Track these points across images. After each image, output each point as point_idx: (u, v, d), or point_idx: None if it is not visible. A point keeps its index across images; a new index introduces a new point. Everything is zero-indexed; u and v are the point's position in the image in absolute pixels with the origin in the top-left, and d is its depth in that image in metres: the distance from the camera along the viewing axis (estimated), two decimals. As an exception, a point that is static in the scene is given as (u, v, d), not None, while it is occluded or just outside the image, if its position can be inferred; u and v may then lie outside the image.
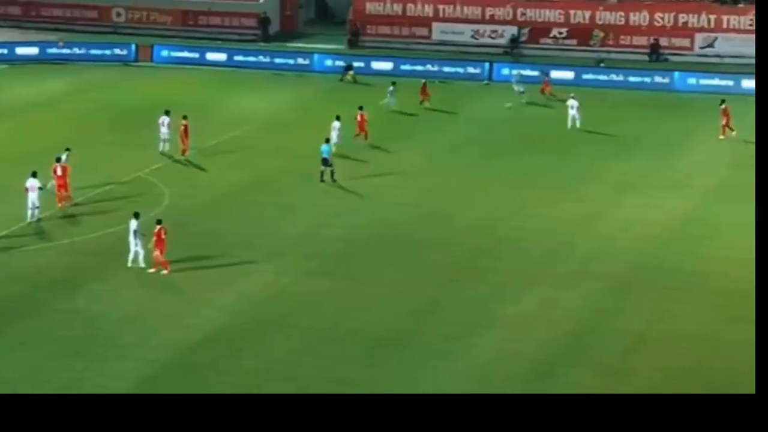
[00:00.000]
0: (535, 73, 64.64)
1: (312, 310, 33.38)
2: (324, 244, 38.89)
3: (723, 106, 53.21)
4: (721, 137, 52.30)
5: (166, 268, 35.28)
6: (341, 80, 65.77)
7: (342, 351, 30.65)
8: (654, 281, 35.70)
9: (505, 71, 66.68)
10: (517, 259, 37.60)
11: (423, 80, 59.77)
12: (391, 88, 57.60)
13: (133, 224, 35.71)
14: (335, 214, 42.05)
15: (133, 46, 71.70)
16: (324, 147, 45.51)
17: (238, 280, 35.41)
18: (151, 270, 35.29)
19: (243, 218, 41.57)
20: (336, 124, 49.32)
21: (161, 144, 48.65)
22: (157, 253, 35.19)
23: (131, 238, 35.62)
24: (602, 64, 67.76)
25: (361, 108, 52.63)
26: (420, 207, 43.10)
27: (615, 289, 35.22)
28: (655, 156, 50.02)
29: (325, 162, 45.25)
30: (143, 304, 33.80)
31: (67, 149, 43.28)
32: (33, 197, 39.45)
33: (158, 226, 35.53)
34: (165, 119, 48.54)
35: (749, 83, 63.73)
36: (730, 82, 64.10)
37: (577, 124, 53.64)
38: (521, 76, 61.57)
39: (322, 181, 45.12)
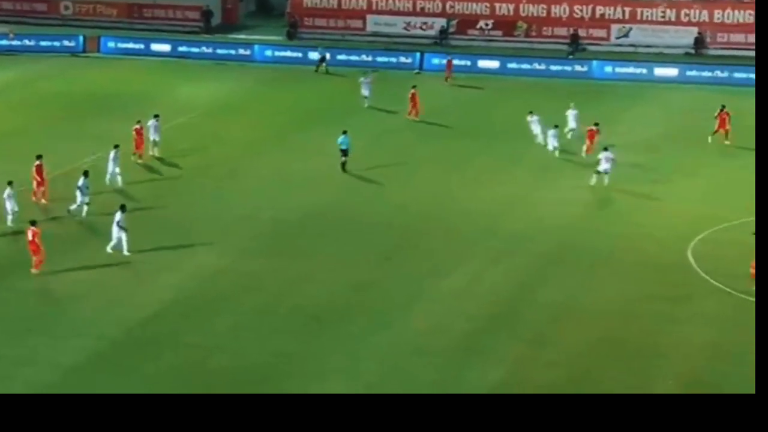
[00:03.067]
0: (467, 63, 64.87)
1: (253, 288, 33.14)
2: (264, 226, 38.64)
3: (724, 110, 48.96)
4: (727, 142, 48.59)
5: (36, 267, 33.65)
6: (316, 71, 64.88)
7: (282, 325, 30.49)
8: (576, 257, 35.87)
9: (435, 61, 66.81)
10: (449, 237, 37.58)
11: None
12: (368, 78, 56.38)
13: (118, 216, 35.09)
14: (275, 197, 41.79)
15: (81, 38, 70.75)
16: (341, 138, 44.74)
17: (184, 260, 35.06)
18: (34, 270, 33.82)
19: (187, 202, 41.16)
20: (571, 112, 49.60)
21: (151, 147, 46.65)
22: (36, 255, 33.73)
23: (114, 228, 34.98)
24: (571, 57, 67.86)
25: (414, 86, 53.71)
26: (357, 189, 42.96)
27: (540, 264, 35.35)
28: (576, 141, 50.07)
29: (344, 153, 44.42)
30: (93, 285, 33.31)
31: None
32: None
33: (31, 228, 33.88)
34: (153, 122, 46.83)
35: (661, 71, 64.48)
36: (644, 70, 64.61)
37: (568, 136, 48.72)
38: (368, 82, 56.37)
39: (344, 171, 44.25)
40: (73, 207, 38.74)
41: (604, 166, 42.36)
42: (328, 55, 66.07)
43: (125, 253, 34.89)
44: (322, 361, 28.27)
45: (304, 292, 32.79)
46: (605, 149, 43.08)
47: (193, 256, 35.40)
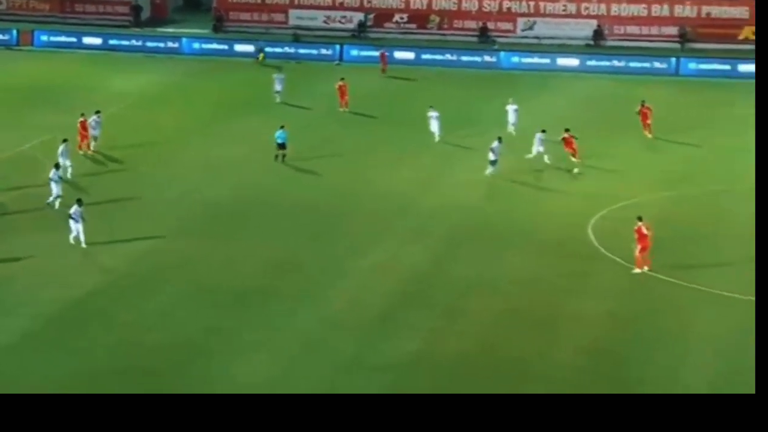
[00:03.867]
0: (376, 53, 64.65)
1: (183, 267, 32.90)
2: (194, 208, 38.37)
3: (644, 106, 48.17)
4: (649, 135, 47.85)
5: None
6: (256, 62, 64.25)
7: (211, 303, 30.31)
8: (484, 235, 36.14)
9: (354, 52, 66.86)
10: (368, 218, 37.60)
11: None
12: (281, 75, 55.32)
13: (73, 209, 34.18)
14: (203, 183, 41.46)
15: (15, 32, 69.51)
16: (278, 133, 43.89)
17: (116, 242, 34.62)
18: None
19: (120, 187, 40.64)
20: (510, 107, 48.02)
21: (92, 142, 45.26)
22: None
23: (71, 221, 33.94)
24: (495, 47, 68.06)
25: (342, 79, 52.70)
26: (282, 175, 42.75)
27: (450, 241, 35.61)
28: (483, 127, 49.97)
29: (281, 146, 43.69)
30: (26, 267, 32.74)
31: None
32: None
33: None
34: (95, 118, 45.65)
35: (564, 61, 65.18)
36: (548, 60, 65.27)
37: (513, 131, 47.18)
38: (281, 78, 54.90)
39: (276, 160, 43.48)
40: (50, 200, 37.47)
41: (493, 156, 42.09)
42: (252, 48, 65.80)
43: (83, 245, 33.89)
44: (248, 336, 28.20)
45: (231, 271, 32.62)
46: (498, 139, 42.78)
47: (125, 239, 34.96)
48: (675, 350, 27.83)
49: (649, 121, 48.31)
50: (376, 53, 64.93)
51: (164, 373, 25.99)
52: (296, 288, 31.49)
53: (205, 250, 34.32)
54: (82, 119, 45.19)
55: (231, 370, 26.25)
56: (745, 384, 25.62)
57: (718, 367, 26.84)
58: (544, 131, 43.94)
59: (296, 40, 69.73)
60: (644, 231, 32.41)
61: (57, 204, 37.25)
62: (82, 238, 33.95)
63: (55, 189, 37.58)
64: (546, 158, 43.32)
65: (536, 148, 43.58)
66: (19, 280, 31.69)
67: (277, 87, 54.79)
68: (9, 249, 33.92)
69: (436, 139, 47.14)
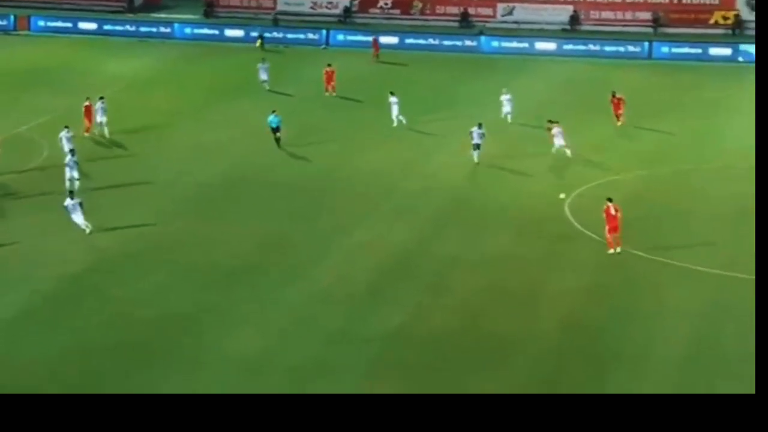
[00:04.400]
0: (369, 38, 64.18)
1: (176, 246, 32.61)
2: (187, 190, 38.03)
3: (615, 96, 46.90)
4: (619, 123, 46.48)
5: None
6: (259, 47, 63.44)
7: (202, 280, 30.06)
8: (466, 213, 35.94)
9: (340, 37, 66.41)
10: (354, 199, 37.32)
11: None
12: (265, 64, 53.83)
13: (66, 201, 33.42)
14: (197, 164, 41.10)
15: (12, 17, 68.78)
16: (271, 118, 43.04)
17: (110, 222, 34.24)
18: None
19: (114, 169, 40.27)
20: (504, 97, 46.74)
21: (99, 127, 44.49)
22: None
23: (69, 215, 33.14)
24: (482, 31, 67.58)
25: (329, 65, 51.81)
26: (272, 157, 42.37)
27: (434, 220, 35.37)
28: (465, 110, 49.64)
29: (276, 130, 42.62)
30: (23, 246, 32.39)
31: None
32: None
33: None
34: (100, 104, 44.63)
35: (542, 45, 64.89)
36: (526, 44, 64.90)
37: (509, 119, 46.58)
38: (265, 68, 53.20)
39: (278, 146, 42.61)
40: (68, 184, 36.66)
41: (476, 141, 41.68)
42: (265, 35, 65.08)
43: (87, 232, 33.11)
44: (239, 311, 27.98)
45: (223, 250, 32.33)
46: (478, 125, 42.20)
47: (118, 218, 34.60)
48: (650, 324, 27.76)
49: (621, 111, 47.13)
50: (362, 38, 64.45)
51: (156, 347, 25.78)
52: (286, 265, 31.26)
53: (198, 229, 34.03)
54: (87, 103, 44.55)
55: (222, 344, 26.06)
56: (718, 357, 25.71)
57: (691, 341, 26.76)
58: (557, 122, 41.96)
59: (275, 24, 69.24)
60: (612, 212, 32.10)
61: (76, 186, 36.49)
62: (83, 226, 33.17)
63: (74, 174, 36.79)
64: (568, 152, 41.37)
65: (557, 141, 41.40)
66: (15, 259, 31.35)
67: (263, 76, 53.33)
68: (6, 228, 33.56)
69: (396, 123, 45.92)
